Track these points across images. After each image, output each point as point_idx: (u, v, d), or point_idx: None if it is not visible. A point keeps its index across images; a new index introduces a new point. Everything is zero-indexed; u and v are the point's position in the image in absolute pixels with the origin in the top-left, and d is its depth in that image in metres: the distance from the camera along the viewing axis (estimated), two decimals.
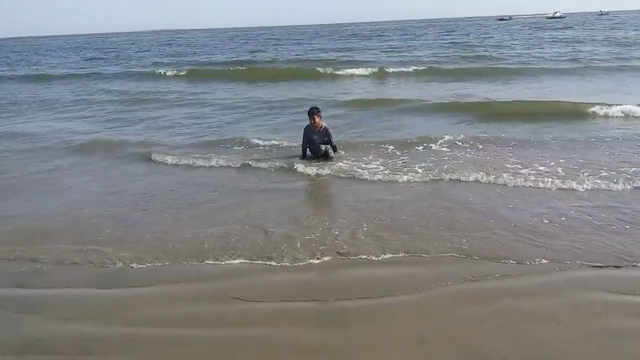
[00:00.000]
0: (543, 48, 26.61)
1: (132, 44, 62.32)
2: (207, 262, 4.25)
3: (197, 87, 17.82)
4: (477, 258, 4.11)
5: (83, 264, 4.32)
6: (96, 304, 3.68)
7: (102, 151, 8.61)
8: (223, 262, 4.23)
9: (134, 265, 4.25)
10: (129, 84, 19.91)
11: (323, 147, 7.14)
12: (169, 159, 7.73)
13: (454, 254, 4.19)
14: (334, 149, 7.30)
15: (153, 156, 7.90)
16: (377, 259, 4.17)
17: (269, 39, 56.68)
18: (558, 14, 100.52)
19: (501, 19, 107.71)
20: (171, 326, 3.35)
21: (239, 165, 7.25)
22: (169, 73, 22.18)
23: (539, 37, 36.28)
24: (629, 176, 5.89)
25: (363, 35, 54.80)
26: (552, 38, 34.21)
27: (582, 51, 23.58)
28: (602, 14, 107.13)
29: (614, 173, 6.04)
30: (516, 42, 32.21)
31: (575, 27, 49.16)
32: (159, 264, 4.25)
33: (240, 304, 3.58)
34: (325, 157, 7.15)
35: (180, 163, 7.56)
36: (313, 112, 7.12)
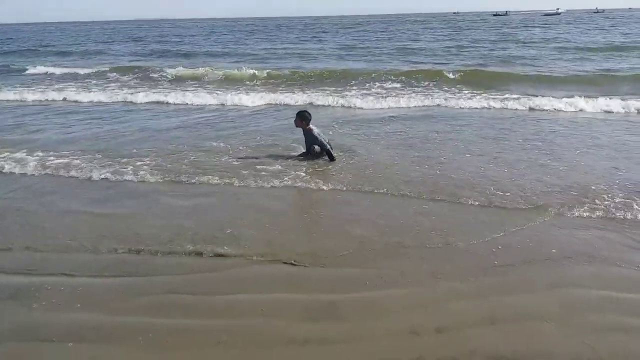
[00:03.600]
0: None
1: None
2: (203, 254, 4.25)
3: None
4: (468, 253, 4.15)
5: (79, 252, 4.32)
6: (90, 292, 3.69)
7: None
8: (215, 255, 4.23)
9: (129, 254, 4.26)
10: None
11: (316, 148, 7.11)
12: None
13: (445, 248, 4.23)
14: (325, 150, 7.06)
15: None
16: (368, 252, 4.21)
17: None
18: (560, 10, 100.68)
19: (496, 15, 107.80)
20: (165, 316, 3.37)
21: None
22: None
23: None
24: None
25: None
26: None
27: None
28: (597, 12, 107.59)
29: None
30: None
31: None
32: (154, 255, 4.26)
33: (233, 295, 3.60)
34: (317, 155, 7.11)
35: None
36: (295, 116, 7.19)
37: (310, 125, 7.07)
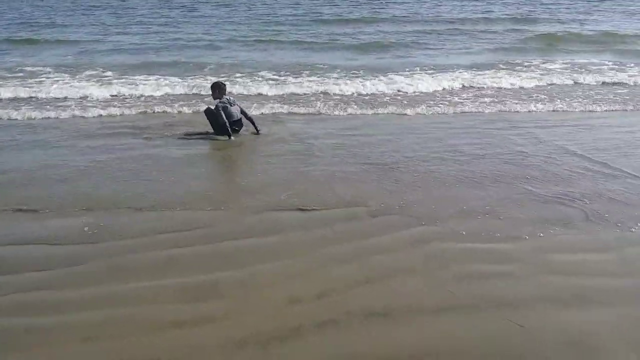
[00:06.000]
0: None
1: None
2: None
3: None
4: (344, 220, 4.32)
5: None
6: None
7: None
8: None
9: None
10: None
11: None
12: None
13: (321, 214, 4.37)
14: None
15: None
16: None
17: None
18: None
19: None
20: (25, 314, 3.08)
21: None
22: None
23: None
24: None
25: None
26: None
27: None
28: None
29: None
30: None
31: None
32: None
33: (103, 286, 3.38)
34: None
35: None
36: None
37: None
